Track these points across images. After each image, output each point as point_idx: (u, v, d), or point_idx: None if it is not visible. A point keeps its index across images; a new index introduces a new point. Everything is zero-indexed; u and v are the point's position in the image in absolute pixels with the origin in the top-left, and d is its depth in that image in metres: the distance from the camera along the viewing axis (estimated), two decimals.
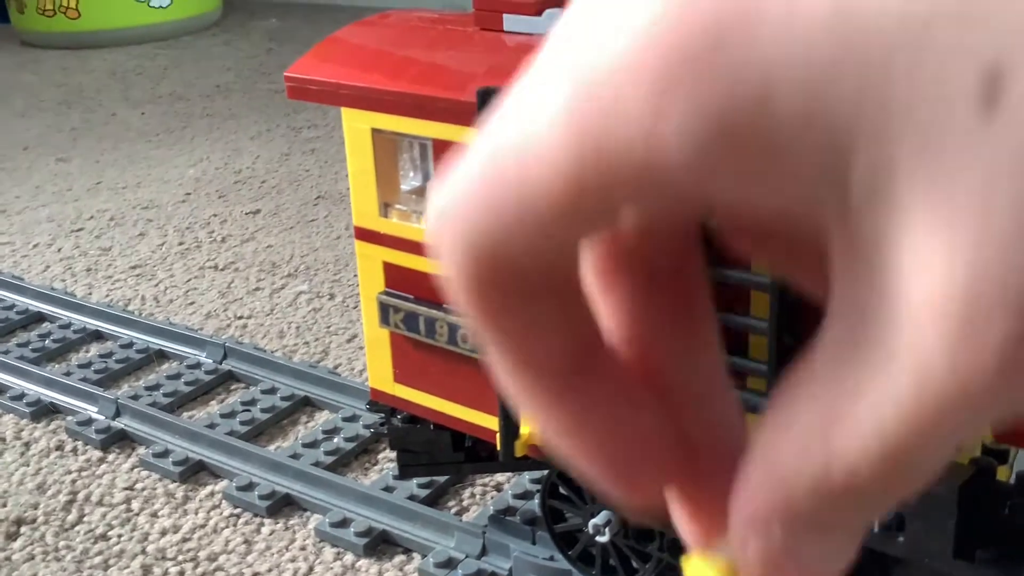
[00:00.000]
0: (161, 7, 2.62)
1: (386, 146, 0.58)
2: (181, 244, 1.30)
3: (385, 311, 0.60)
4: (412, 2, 2.65)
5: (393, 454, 0.83)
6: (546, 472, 0.62)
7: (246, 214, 1.39)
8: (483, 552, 0.68)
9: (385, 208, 0.59)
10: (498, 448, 0.56)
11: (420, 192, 0.58)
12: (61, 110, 2.01)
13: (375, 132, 0.57)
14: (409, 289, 0.60)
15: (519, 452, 0.55)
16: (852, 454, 0.14)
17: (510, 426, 0.54)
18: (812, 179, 0.13)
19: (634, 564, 0.60)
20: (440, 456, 0.66)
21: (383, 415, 0.67)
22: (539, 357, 0.16)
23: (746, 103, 0.13)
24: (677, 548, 0.56)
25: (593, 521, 0.58)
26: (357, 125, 0.58)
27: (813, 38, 0.13)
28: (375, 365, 0.63)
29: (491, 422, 0.58)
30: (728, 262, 0.47)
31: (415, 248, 0.58)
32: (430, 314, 0.58)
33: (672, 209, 0.16)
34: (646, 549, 0.58)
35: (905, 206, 0.13)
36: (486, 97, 0.45)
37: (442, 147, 0.54)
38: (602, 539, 0.58)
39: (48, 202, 1.48)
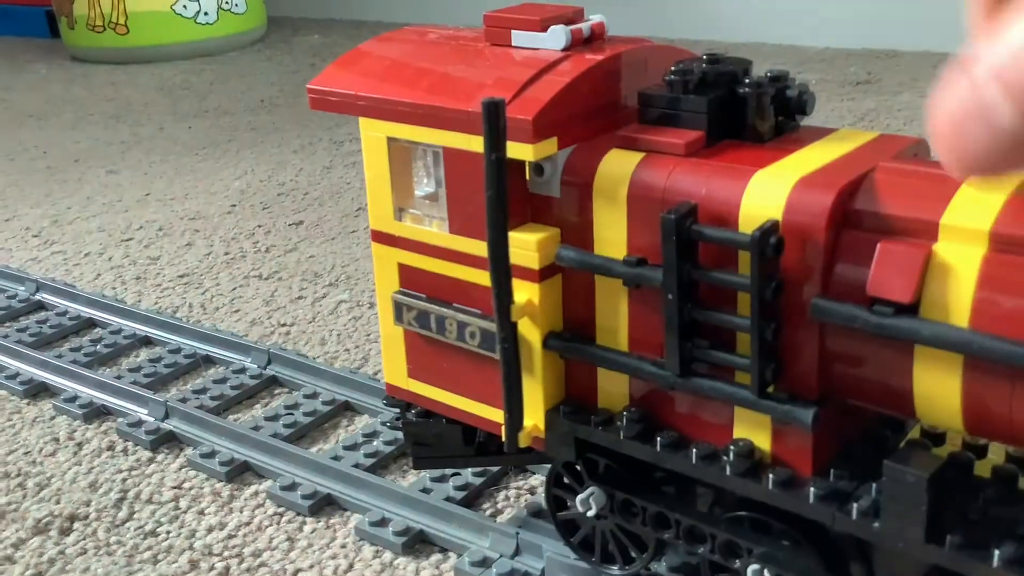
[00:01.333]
0: (208, 24, 2.68)
1: (401, 154, 0.60)
2: (227, 254, 1.33)
3: (399, 309, 0.63)
4: (447, 17, 2.69)
5: None
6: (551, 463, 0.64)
7: (289, 225, 1.43)
8: (517, 552, 0.70)
9: (400, 212, 0.62)
10: (503, 440, 0.59)
11: (432, 197, 0.60)
12: (110, 124, 2.07)
13: (391, 140, 0.59)
14: (421, 288, 0.62)
15: (523, 443, 0.58)
16: None
17: (514, 418, 0.57)
18: None
19: (632, 553, 0.63)
20: (452, 449, 0.69)
21: (399, 409, 0.70)
22: None
23: None
24: (662, 523, 0.58)
25: (579, 496, 0.61)
26: (373, 134, 0.60)
27: None
28: (390, 361, 0.66)
29: (495, 414, 0.61)
30: (714, 264, 0.49)
31: (426, 249, 0.61)
32: (440, 312, 0.61)
33: None
34: (632, 526, 0.60)
35: None
36: (490, 108, 0.48)
37: (452, 154, 0.57)
38: (590, 512, 0.60)
39: (99, 212, 1.52)
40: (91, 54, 2.71)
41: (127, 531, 0.78)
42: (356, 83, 0.60)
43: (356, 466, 0.82)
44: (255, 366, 1.00)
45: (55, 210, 1.54)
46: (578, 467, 0.61)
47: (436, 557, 0.73)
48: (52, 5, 2.83)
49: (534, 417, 0.59)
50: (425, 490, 0.78)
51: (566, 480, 0.63)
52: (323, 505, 0.79)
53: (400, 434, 0.87)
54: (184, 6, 2.65)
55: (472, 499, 0.78)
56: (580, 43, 0.58)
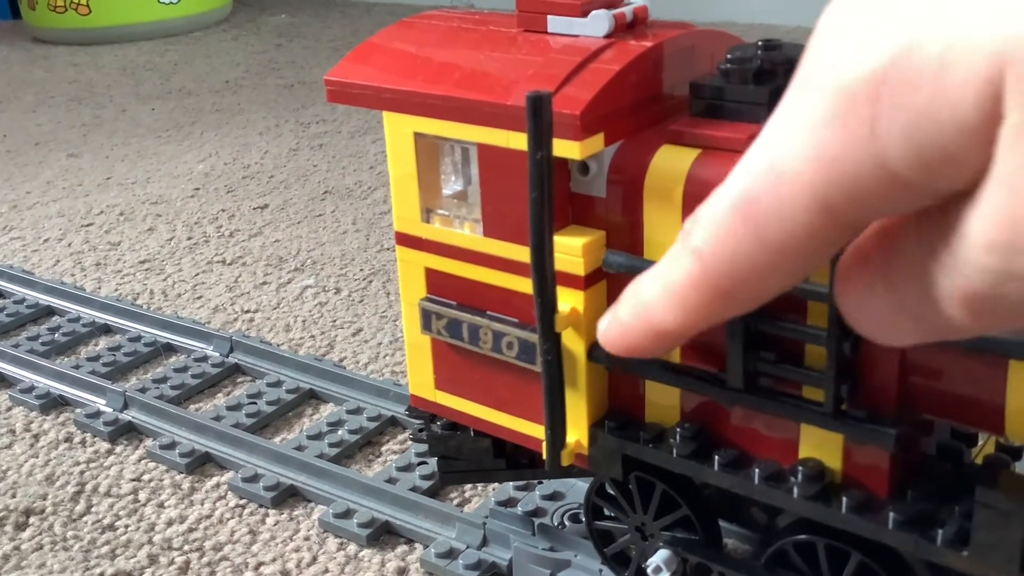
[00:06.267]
0: (171, 3, 2.64)
1: (429, 150, 0.56)
2: (189, 239, 1.31)
3: (427, 317, 0.59)
4: None
5: (396, 446, 0.84)
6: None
7: (254, 209, 1.40)
8: (484, 542, 0.69)
9: (427, 213, 0.57)
10: (544, 457, 0.54)
11: (462, 196, 0.56)
12: (72, 106, 2.03)
13: (418, 136, 0.55)
14: (452, 295, 0.58)
15: (566, 461, 0.54)
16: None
17: (557, 436, 0.53)
18: (985, 118, 0.20)
19: None
20: (481, 463, 0.65)
21: (422, 421, 0.66)
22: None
23: (930, 90, 0.20)
24: None
25: (652, 560, 0.57)
26: (399, 129, 0.56)
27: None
28: (416, 371, 0.62)
29: (534, 429, 0.58)
30: None
31: (458, 254, 0.57)
32: (474, 321, 0.57)
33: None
34: None
35: None
36: (536, 103, 0.44)
37: (487, 152, 0.53)
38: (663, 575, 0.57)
39: (58, 197, 1.49)
40: (53, 35, 2.66)
41: (84, 525, 0.76)
42: (380, 75, 0.56)
43: (320, 456, 0.80)
44: (217, 354, 0.98)
45: (14, 195, 1.51)
46: (630, 487, 0.58)
47: (402, 548, 0.72)
48: None
49: (577, 432, 0.55)
50: (391, 480, 0.77)
51: (610, 491, 0.60)
52: (286, 496, 0.78)
53: (365, 423, 0.85)
54: None
55: (438, 489, 0.77)
56: (623, 29, 0.53)
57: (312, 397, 0.92)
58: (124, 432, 0.87)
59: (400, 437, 0.85)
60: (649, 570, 0.57)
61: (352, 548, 0.72)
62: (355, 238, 1.28)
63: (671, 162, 0.49)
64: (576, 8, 0.53)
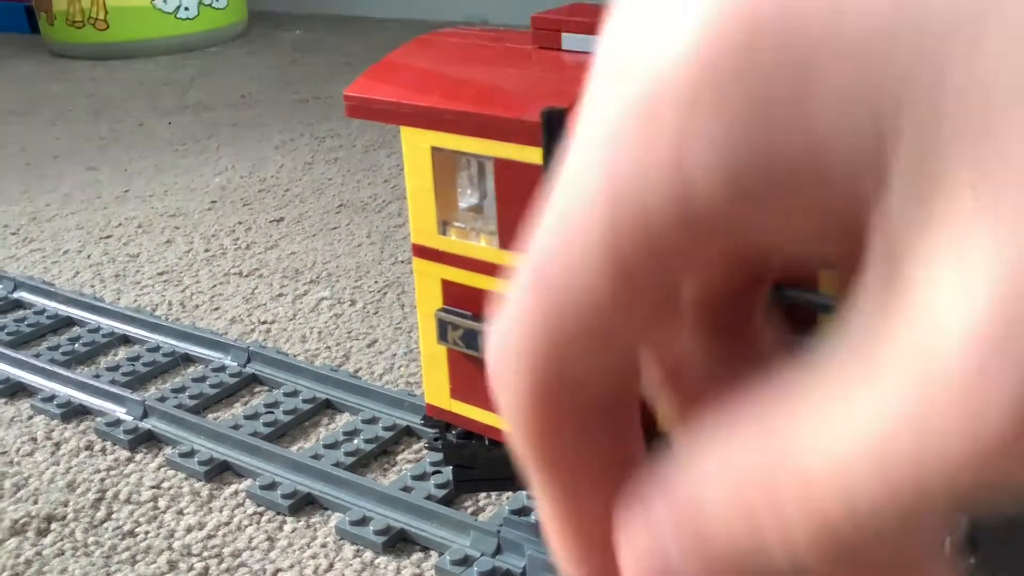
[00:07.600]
0: (188, 19, 2.66)
1: (445, 164, 0.57)
2: (207, 251, 1.32)
3: (443, 328, 0.60)
4: (431, 12, 2.68)
5: (411, 455, 0.85)
6: None
7: (270, 222, 1.42)
8: (498, 550, 0.70)
9: (443, 226, 0.59)
10: None
11: (478, 210, 0.58)
12: (90, 120, 2.05)
13: (435, 150, 0.57)
14: (467, 306, 0.59)
15: None
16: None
17: None
18: (851, 173, 0.12)
19: None
20: (495, 471, 0.66)
21: (437, 430, 0.67)
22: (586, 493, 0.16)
23: (782, 99, 0.12)
24: None
25: None
26: (417, 143, 0.57)
27: (870, 6, 0.12)
28: (432, 381, 0.63)
29: None
30: (795, 284, 0.46)
31: (473, 265, 0.58)
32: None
33: (724, 261, 0.15)
34: None
35: (952, 196, 0.11)
36: (551, 118, 0.45)
37: (503, 165, 0.54)
38: None
39: (78, 210, 1.51)
40: (71, 50, 2.69)
41: (105, 532, 0.77)
42: (398, 90, 0.57)
43: (336, 465, 0.81)
44: (235, 364, 0.99)
45: (33, 207, 1.53)
46: None
47: (417, 556, 0.73)
48: (32, 0, 2.80)
49: None
50: (406, 489, 0.78)
51: None
52: (303, 504, 0.79)
53: (380, 432, 0.86)
54: (164, 1, 2.63)
55: (453, 497, 0.78)
56: None
57: (328, 407, 0.93)
58: (144, 440, 0.89)
59: (415, 446, 0.86)
60: None
61: (368, 555, 0.73)
62: (370, 251, 1.29)
63: None
64: (590, 26, 0.54)
